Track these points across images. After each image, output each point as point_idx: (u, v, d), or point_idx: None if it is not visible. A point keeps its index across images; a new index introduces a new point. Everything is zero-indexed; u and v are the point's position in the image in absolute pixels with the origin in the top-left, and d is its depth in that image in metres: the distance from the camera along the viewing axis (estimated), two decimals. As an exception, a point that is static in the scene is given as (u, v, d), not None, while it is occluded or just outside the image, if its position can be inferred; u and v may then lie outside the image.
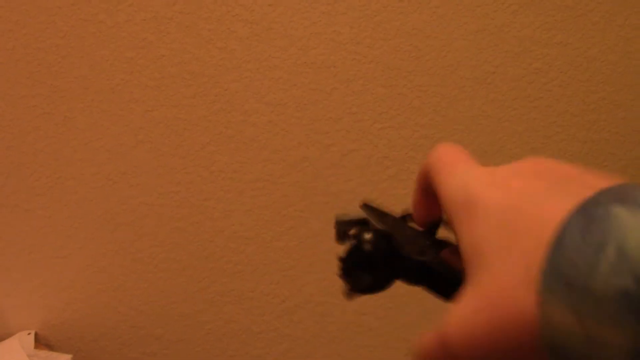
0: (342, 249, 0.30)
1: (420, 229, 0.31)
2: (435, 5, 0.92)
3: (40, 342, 1.00)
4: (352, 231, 0.31)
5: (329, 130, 0.96)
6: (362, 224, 0.32)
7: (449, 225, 0.26)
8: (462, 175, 0.25)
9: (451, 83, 0.95)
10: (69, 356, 0.93)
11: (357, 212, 0.33)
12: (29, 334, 0.98)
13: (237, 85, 0.94)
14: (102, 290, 1.01)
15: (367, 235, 0.30)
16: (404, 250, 0.29)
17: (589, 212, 0.19)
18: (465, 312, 0.22)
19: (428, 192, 0.29)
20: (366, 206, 0.34)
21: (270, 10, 0.92)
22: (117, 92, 0.94)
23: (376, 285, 0.30)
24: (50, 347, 1.01)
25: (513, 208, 0.22)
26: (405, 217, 0.33)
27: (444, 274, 0.28)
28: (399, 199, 0.98)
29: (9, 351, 0.92)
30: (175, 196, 0.97)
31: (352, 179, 0.98)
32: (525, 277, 0.20)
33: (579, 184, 0.21)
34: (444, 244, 0.29)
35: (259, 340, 1.04)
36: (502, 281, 0.21)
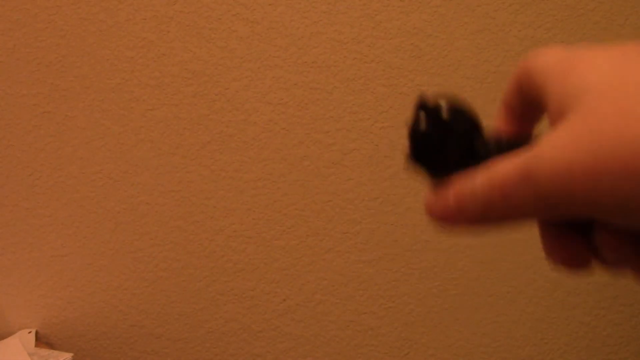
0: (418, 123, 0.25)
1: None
2: (436, 5, 0.92)
3: (41, 340, 1.00)
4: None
5: (329, 130, 0.96)
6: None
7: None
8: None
9: (452, 82, 0.95)
10: (70, 355, 0.93)
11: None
12: (29, 332, 0.98)
13: (238, 85, 0.94)
14: (103, 289, 1.01)
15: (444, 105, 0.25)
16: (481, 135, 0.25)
17: None
18: (559, 142, 0.20)
19: (522, 111, 0.26)
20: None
21: (270, 10, 0.92)
22: (118, 91, 0.94)
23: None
24: (51, 345, 1.01)
25: (623, 56, 0.19)
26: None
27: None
28: (399, 199, 0.98)
29: (9, 350, 0.92)
30: (176, 195, 0.97)
31: (353, 178, 0.98)
32: None
33: None
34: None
35: (260, 339, 1.04)
36: (610, 109, 0.19)
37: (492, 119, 0.29)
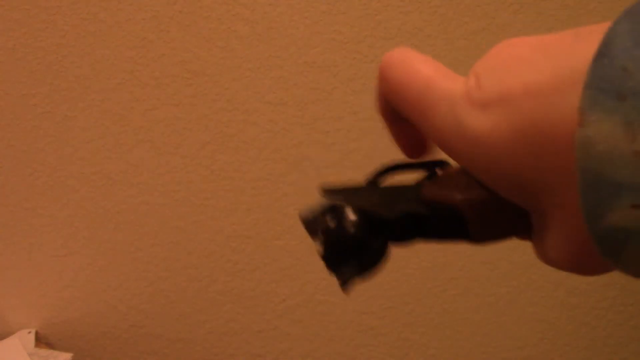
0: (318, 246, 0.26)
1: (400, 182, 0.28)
2: (436, 5, 0.92)
3: (41, 340, 1.00)
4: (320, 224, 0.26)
5: (329, 130, 0.96)
6: (331, 210, 0.27)
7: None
8: (449, 109, 0.22)
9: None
10: (70, 355, 0.93)
11: (321, 203, 0.28)
12: (29, 332, 0.98)
13: (238, 85, 0.94)
14: (103, 289, 1.01)
15: (331, 220, 0.25)
16: (381, 213, 0.25)
17: (635, 14, 0.16)
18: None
19: (399, 118, 0.26)
20: (327, 191, 0.29)
21: (270, 10, 0.92)
22: (118, 91, 0.94)
23: (370, 263, 0.26)
24: (50, 345, 1.01)
25: (523, 133, 0.19)
26: (378, 177, 0.29)
27: (433, 214, 0.24)
28: (399, 199, 0.98)
29: (9, 350, 0.92)
30: (176, 195, 0.97)
31: (353, 178, 0.98)
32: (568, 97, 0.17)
33: (586, 36, 0.18)
34: (426, 180, 0.26)
35: (259, 339, 1.04)
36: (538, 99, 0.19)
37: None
